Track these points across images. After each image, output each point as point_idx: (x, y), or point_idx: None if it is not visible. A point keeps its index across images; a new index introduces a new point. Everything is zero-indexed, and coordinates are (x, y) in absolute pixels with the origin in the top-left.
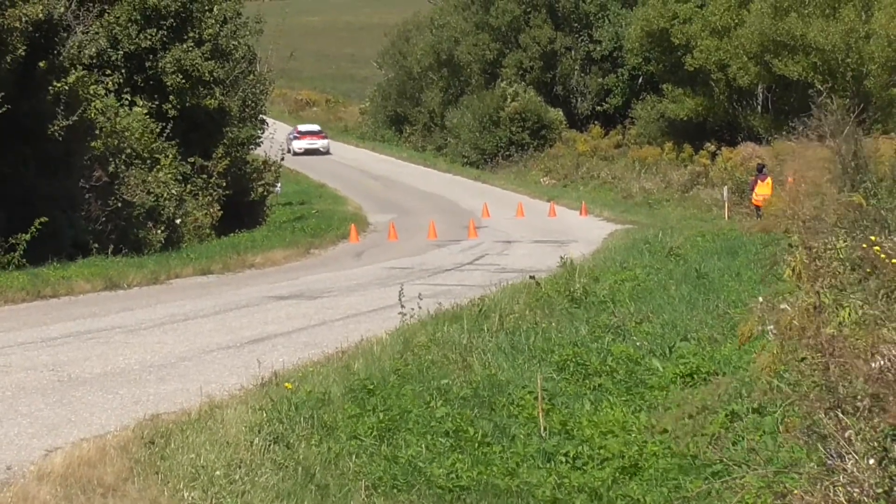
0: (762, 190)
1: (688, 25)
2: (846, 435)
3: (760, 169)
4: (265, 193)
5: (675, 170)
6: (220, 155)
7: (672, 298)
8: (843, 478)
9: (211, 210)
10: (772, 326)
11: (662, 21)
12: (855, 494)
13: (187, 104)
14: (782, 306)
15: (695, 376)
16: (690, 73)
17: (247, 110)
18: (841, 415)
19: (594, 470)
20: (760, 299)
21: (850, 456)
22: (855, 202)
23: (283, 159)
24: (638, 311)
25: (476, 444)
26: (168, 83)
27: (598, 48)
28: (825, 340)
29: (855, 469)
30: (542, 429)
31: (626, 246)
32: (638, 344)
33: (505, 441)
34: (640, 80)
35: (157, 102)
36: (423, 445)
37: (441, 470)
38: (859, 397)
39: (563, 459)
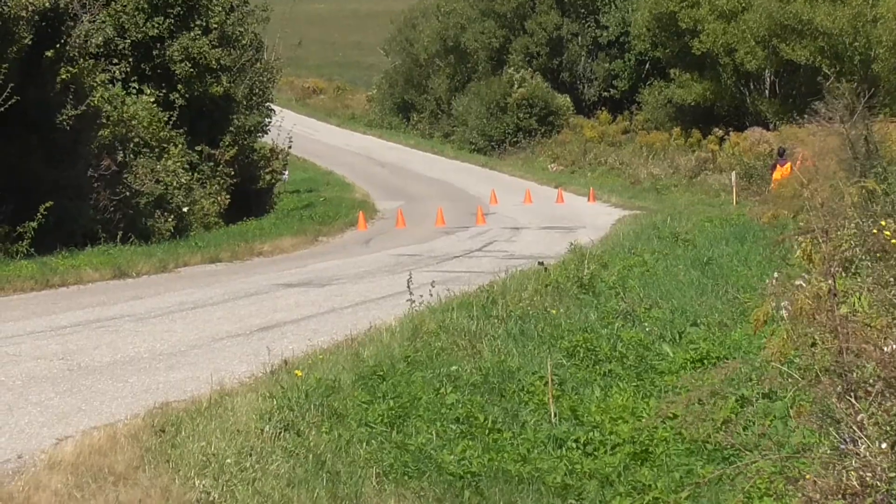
0: (779, 175)
1: (695, 9)
2: (858, 419)
3: (781, 153)
4: (273, 181)
5: (683, 155)
6: (227, 143)
7: (681, 284)
8: (856, 462)
9: (219, 198)
10: (786, 303)
11: (670, 5)
12: (867, 478)
13: (195, 92)
14: (797, 282)
15: (705, 361)
16: (698, 57)
17: (254, 98)
18: (853, 399)
19: (605, 456)
20: (776, 275)
21: (863, 440)
22: (868, 187)
23: (290, 147)
24: (647, 296)
25: (486, 431)
26: (176, 71)
27: (605, 34)
28: (837, 324)
29: (867, 453)
30: (552, 415)
31: (635, 232)
32: (648, 329)
33: (515, 427)
34: (648, 66)
35: (164, 91)
36: (433, 432)
37: (452, 457)
38: (871, 381)
39: (574, 445)
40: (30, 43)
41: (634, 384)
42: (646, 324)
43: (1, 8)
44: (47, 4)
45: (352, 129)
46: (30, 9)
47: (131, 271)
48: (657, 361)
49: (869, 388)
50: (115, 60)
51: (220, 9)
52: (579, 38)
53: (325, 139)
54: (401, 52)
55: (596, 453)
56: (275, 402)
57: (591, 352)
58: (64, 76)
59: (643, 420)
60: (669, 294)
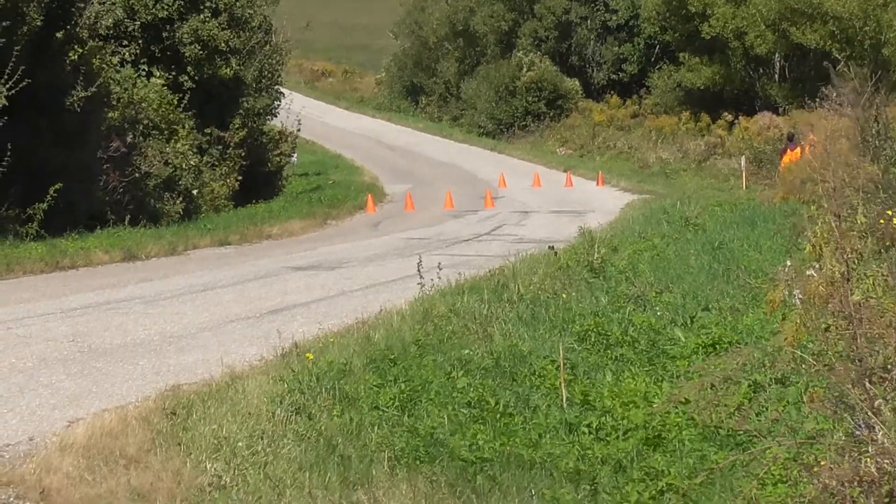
0: (788, 159)
1: None
2: (875, 405)
3: (791, 137)
4: (282, 164)
5: (692, 139)
6: (236, 126)
7: (692, 268)
8: (873, 449)
9: (228, 181)
10: (798, 291)
11: None
12: (885, 465)
13: (204, 75)
14: (808, 272)
15: (717, 346)
16: (707, 41)
17: (263, 81)
18: (869, 384)
19: (617, 441)
20: (788, 262)
21: (879, 426)
22: (872, 172)
23: (299, 130)
24: (658, 281)
25: (498, 416)
26: (185, 54)
27: (614, 17)
28: (852, 309)
29: (885, 440)
30: (564, 400)
31: (644, 216)
32: (659, 314)
33: (527, 412)
34: (657, 49)
35: (174, 73)
36: (444, 416)
37: (463, 441)
38: (888, 367)
39: (586, 430)
40: (40, 24)
41: (646, 369)
42: (657, 308)
43: None
44: None
45: (360, 113)
46: None
47: (141, 254)
48: (669, 346)
49: (884, 375)
50: (125, 42)
51: None
52: (588, 21)
53: (334, 122)
54: (410, 35)
55: (608, 438)
56: (286, 386)
57: (602, 336)
58: (73, 58)
59: (655, 405)
60: (680, 278)
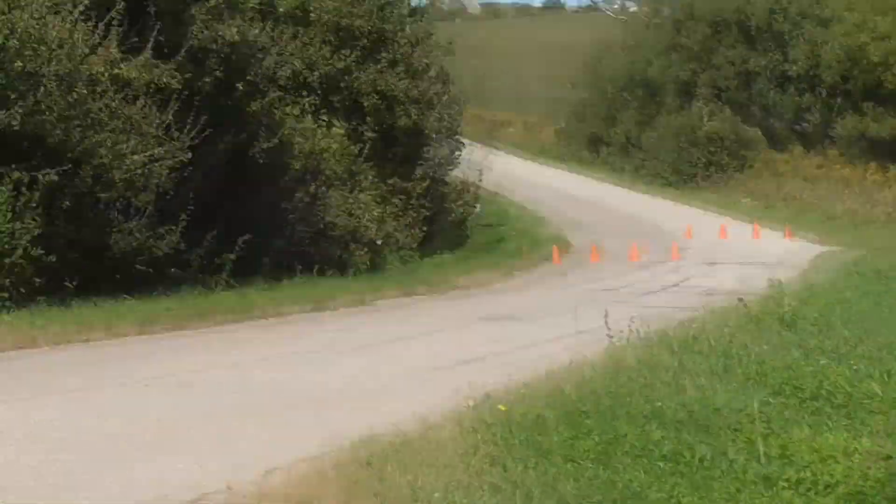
0: None
1: (886, 42)
2: None
3: None
4: (465, 214)
5: (880, 191)
6: (419, 176)
7: (886, 321)
8: None
9: (412, 231)
10: None
11: (860, 37)
12: None
13: (384, 125)
14: None
15: None
16: (891, 90)
17: (443, 131)
18: None
19: (818, 497)
20: None
21: None
22: None
23: (480, 181)
24: (852, 334)
25: (694, 469)
26: (364, 104)
27: (794, 67)
28: None
29: None
30: (761, 453)
31: (834, 268)
32: (855, 367)
33: (724, 465)
34: (839, 99)
35: (353, 123)
36: (640, 469)
37: (661, 494)
38: None
39: (786, 485)
40: (220, 75)
41: (844, 423)
42: (852, 361)
43: (192, 41)
44: (237, 38)
45: (541, 163)
46: (219, 42)
47: (329, 304)
48: (866, 400)
49: None
50: (304, 93)
51: (406, 41)
52: (767, 71)
53: (515, 173)
54: (588, 86)
55: (809, 493)
56: (479, 437)
57: (797, 389)
58: (255, 109)
59: (855, 460)
60: (875, 331)
